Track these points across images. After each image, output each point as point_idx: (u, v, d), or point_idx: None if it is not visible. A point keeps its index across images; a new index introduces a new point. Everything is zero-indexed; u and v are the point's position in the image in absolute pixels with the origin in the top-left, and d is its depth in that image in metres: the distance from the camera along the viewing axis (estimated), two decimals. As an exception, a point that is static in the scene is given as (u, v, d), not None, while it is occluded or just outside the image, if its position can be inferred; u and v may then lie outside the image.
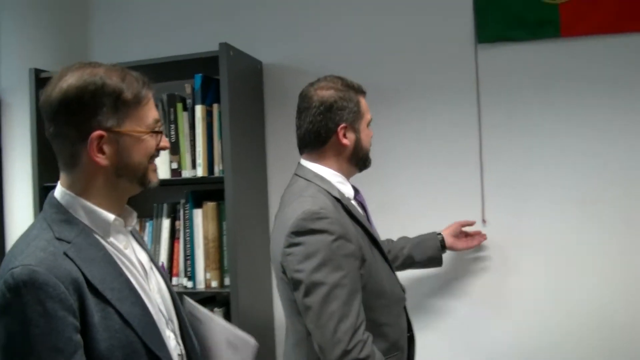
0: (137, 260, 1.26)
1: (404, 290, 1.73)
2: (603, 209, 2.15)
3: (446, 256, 2.14)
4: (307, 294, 1.46)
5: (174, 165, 2.29)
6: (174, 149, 2.27)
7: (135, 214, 1.31)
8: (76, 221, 1.17)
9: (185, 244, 2.30)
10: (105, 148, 1.16)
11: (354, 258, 1.51)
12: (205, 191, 2.32)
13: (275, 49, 2.49)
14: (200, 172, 2.24)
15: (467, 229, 2.18)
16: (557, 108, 2.21)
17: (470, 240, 2.16)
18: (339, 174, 1.65)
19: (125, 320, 1.13)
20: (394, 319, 1.65)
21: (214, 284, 2.26)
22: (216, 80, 2.22)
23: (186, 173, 2.28)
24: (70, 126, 1.15)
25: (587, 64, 2.18)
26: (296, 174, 1.69)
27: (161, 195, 2.30)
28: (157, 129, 1.23)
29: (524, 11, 2.22)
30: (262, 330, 2.41)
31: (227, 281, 2.24)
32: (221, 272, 2.27)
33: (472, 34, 2.28)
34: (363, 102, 1.67)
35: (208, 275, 2.26)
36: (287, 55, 2.48)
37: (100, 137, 1.14)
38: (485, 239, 2.19)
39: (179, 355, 1.27)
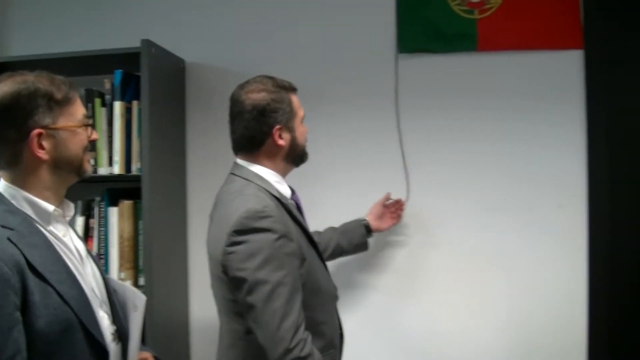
0: (75, 248, 1.38)
1: (336, 288, 1.77)
2: (512, 210, 2.28)
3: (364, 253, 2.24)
4: (250, 292, 1.45)
5: (90, 162, 2.22)
6: (91, 146, 2.20)
7: (72, 206, 1.44)
8: (19, 211, 1.30)
9: (99, 243, 2.25)
10: (45, 144, 1.30)
11: (295, 257, 1.53)
12: (121, 189, 2.27)
13: (199, 48, 2.47)
14: (117, 169, 2.20)
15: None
16: (472, 116, 2.31)
17: (393, 216, 2.24)
18: (276, 173, 1.65)
19: (64, 300, 1.25)
20: (330, 317, 1.69)
21: (128, 283, 2.21)
22: (137, 76, 2.18)
23: (102, 170, 2.23)
24: (11, 129, 1.28)
25: (500, 76, 2.29)
26: (233, 173, 1.67)
27: (75, 193, 2.20)
28: (87, 123, 1.40)
29: (443, 25, 2.30)
30: (177, 331, 2.38)
31: (141, 281, 2.21)
32: (136, 271, 2.23)
33: (395, 43, 2.35)
34: (295, 99, 1.67)
35: (122, 275, 2.22)
36: (210, 54, 2.46)
37: (40, 134, 1.29)
38: (403, 204, 2.27)
39: (112, 333, 1.38)
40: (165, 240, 2.26)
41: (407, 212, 2.32)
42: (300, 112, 1.69)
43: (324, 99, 2.36)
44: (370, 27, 2.37)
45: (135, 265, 2.23)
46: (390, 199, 2.26)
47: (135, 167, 2.20)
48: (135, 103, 2.20)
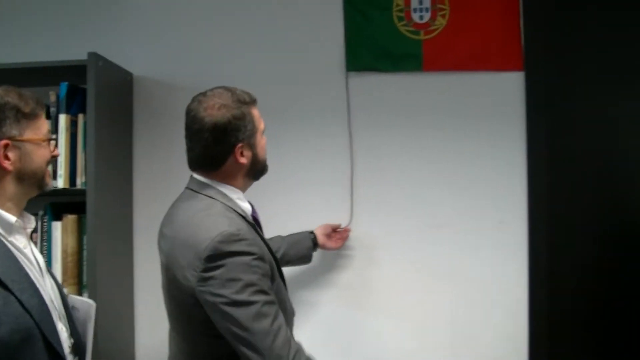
0: (35, 259, 1.41)
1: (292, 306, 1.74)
2: (455, 226, 2.34)
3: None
4: (233, 316, 1.40)
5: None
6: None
7: (33, 218, 1.46)
8: None
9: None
10: (10, 155, 1.34)
11: (267, 278, 1.49)
12: (66, 203, 2.23)
13: (147, 62, 2.46)
14: (61, 183, 2.15)
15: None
16: (418, 135, 2.37)
17: (339, 239, 2.27)
18: (237, 189, 1.60)
19: (25, 308, 1.26)
20: (290, 334, 1.67)
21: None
22: (83, 89, 2.16)
23: (46, 184, 2.18)
24: None
25: (445, 96, 2.36)
26: (191, 189, 1.61)
27: (17, 206, 2.18)
28: (51, 138, 1.45)
29: (390, 45, 2.36)
30: (122, 350, 2.34)
31: (85, 297, 2.15)
32: (80, 287, 2.19)
33: (344, 62, 2.39)
34: (255, 113, 1.60)
35: (65, 291, 2.16)
36: (159, 68, 2.45)
37: (6, 145, 1.33)
38: (349, 231, 2.33)
39: (69, 346, 1.41)
40: (110, 255, 2.23)
41: (354, 227, 2.36)
42: (261, 125, 1.62)
43: (277, 118, 2.37)
44: (321, 45, 2.41)
45: (79, 281, 2.19)
46: (340, 228, 2.31)
47: (80, 181, 2.17)
48: (81, 116, 2.18)
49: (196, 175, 1.61)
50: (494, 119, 2.33)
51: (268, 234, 2.16)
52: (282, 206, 2.38)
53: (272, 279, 1.53)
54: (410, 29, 2.35)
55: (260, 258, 1.47)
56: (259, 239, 1.55)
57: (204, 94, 1.57)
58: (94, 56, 2.12)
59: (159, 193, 2.23)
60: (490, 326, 2.31)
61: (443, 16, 2.34)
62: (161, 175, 2.40)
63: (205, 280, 1.42)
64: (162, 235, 1.64)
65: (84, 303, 1.53)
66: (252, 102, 1.61)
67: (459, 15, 2.34)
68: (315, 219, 2.29)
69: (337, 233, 2.29)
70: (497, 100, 2.33)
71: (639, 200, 2.35)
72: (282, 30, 2.43)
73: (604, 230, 2.35)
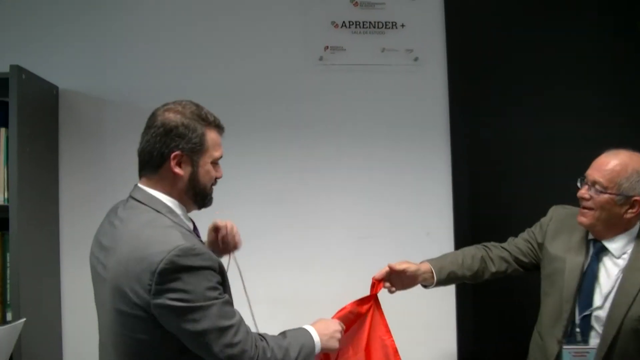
0: None
1: None
2: (385, 237, 2.44)
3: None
4: (194, 327, 1.41)
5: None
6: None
7: None
8: None
9: (-39, 277, 2.11)
10: None
11: (221, 286, 1.49)
12: (-13, 220, 2.16)
13: (73, 75, 2.42)
14: (-18, 199, 2.09)
15: None
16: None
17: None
18: (181, 205, 1.58)
19: None
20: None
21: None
22: (5, 102, 2.10)
23: (-33, 200, 2.11)
24: None
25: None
26: (134, 198, 1.57)
27: None
28: None
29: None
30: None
31: (9, 316, 2.09)
32: (3, 306, 2.12)
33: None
34: (212, 136, 1.58)
35: (-20, 318, 2.10)
36: (86, 81, 2.42)
37: None
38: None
39: None
40: (35, 273, 2.16)
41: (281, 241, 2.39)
42: (215, 153, 1.59)
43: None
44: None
45: (2, 299, 2.12)
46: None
47: (2, 197, 2.10)
48: (3, 130, 2.11)
49: (140, 185, 1.59)
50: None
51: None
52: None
53: (224, 291, 1.53)
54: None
55: (215, 269, 1.47)
56: (211, 252, 1.53)
57: (174, 102, 1.60)
58: (17, 69, 2.07)
59: (87, 208, 2.20)
60: (419, 344, 2.40)
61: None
62: (88, 189, 2.35)
63: (160, 292, 1.40)
64: (100, 247, 1.59)
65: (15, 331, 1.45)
66: (214, 125, 1.60)
67: None
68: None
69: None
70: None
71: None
72: (212, 40, 2.47)
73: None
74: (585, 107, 2.60)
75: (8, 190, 2.07)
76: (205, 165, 1.58)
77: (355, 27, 2.50)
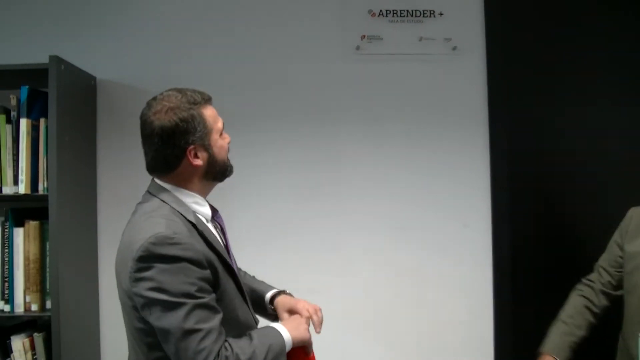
0: None
1: (257, 322, 1.68)
2: (423, 230, 2.39)
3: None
4: (161, 316, 1.36)
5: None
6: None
7: None
8: None
9: (3, 265, 2.15)
10: None
11: (205, 282, 1.43)
12: (27, 209, 2.19)
13: (111, 65, 2.44)
14: (22, 189, 2.12)
15: None
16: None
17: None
18: (195, 193, 1.56)
19: None
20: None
21: (34, 307, 2.14)
22: (45, 93, 2.12)
23: (7, 189, 2.14)
24: None
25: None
26: (149, 192, 1.57)
27: (-23, 213, 2.14)
28: None
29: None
30: (86, 358, 2.30)
31: (48, 304, 2.13)
32: (42, 294, 2.16)
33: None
34: (208, 112, 1.53)
35: (28, 299, 2.13)
36: (123, 72, 2.44)
37: None
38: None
39: None
40: (73, 262, 2.19)
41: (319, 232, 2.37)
42: (217, 125, 1.55)
43: (241, 121, 2.38)
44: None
45: (41, 288, 2.15)
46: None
47: (42, 187, 2.13)
48: (42, 120, 2.14)
49: (156, 179, 1.58)
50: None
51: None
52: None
53: (216, 286, 1.48)
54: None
55: (196, 262, 1.41)
56: (202, 244, 1.48)
57: (154, 98, 1.53)
58: (56, 59, 2.09)
59: (124, 197, 2.18)
60: (457, 326, 2.37)
61: None
62: (126, 179, 2.36)
63: (137, 280, 1.38)
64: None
65: None
66: (205, 101, 1.54)
67: None
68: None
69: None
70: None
71: (596, 203, 2.42)
72: (248, 30, 2.45)
73: (563, 230, 2.42)
74: (637, 103, 2.47)
75: (47, 179, 2.10)
76: (216, 142, 1.55)
77: (393, 16, 2.45)
